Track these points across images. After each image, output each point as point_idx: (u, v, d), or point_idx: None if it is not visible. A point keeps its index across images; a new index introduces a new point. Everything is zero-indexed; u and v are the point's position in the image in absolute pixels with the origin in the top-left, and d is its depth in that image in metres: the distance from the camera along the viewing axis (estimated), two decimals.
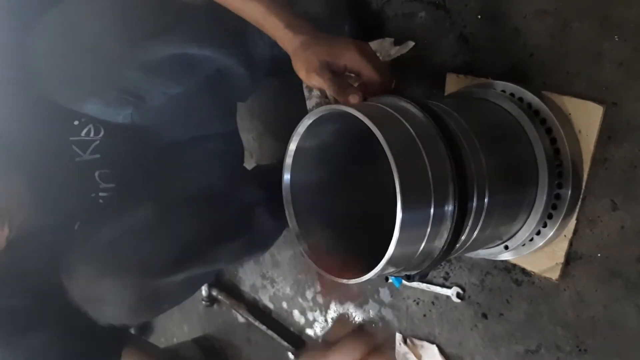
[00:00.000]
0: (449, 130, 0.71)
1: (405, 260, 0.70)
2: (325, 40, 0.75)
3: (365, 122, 0.64)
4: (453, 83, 0.94)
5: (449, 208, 0.68)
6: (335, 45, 0.74)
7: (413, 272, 0.77)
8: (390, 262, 0.66)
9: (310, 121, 0.71)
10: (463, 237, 0.74)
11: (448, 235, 0.70)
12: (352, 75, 0.76)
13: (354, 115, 0.66)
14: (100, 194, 0.93)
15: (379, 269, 0.66)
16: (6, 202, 0.83)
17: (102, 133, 0.90)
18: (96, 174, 0.92)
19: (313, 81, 0.73)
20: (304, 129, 0.72)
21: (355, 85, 0.75)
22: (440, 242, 0.71)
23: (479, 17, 0.90)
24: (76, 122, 0.89)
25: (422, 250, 0.69)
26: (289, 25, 0.75)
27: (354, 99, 0.71)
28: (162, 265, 0.87)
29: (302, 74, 0.74)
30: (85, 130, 0.89)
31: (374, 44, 1.03)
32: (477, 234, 0.76)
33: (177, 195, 0.91)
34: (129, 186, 0.93)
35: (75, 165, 0.90)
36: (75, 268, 0.84)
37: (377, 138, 0.64)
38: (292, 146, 0.74)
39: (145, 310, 0.91)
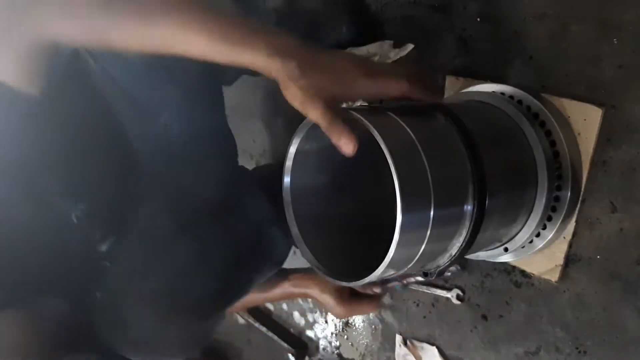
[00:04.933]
0: (469, 131, 0.72)
1: (405, 262, 0.70)
2: (323, 65, 0.63)
3: (365, 125, 0.64)
4: (452, 85, 0.94)
5: (469, 207, 0.70)
6: (339, 76, 0.64)
7: (431, 270, 0.79)
8: (390, 265, 0.67)
9: (311, 124, 0.71)
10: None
11: (467, 234, 0.72)
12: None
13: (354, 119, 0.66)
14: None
15: (381, 270, 0.66)
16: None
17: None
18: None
19: (310, 113, 0.63)
20: (304, 132, 0.72)
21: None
22: (459, 240, 0.73)
23: (478, 19, 0.91)
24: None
25: (422, 252, 0.69)
26: (274, 51, 0.60)
27: (347, 147, 0.62)
28: (211, 301, 0.85)
29: (296, 104, 0.63)
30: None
31: (373, 47, 1.04)
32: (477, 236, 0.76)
33: (198, 215, 0.86)
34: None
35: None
36: (123, 319, 0.77)
37: (377, 142, 0.64)
38: (292, 149, 0.74)
39: (197, 347, 0.89)
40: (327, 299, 0.89)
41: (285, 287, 1.01)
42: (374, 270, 0.67)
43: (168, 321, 0.79)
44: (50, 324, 0.67)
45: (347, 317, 0.88)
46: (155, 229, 0.80)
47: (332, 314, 1.01)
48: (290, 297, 0.98)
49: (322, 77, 0.62)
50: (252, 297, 0.99)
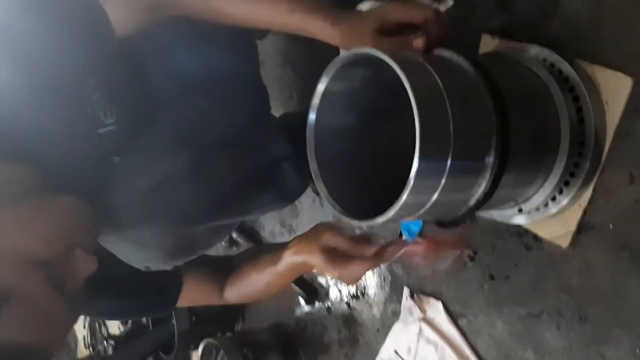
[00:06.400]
0: (497, 86, 0.73)
1: (418, 207, 0.72)
2: (363, 13, 0.81)
3: (393, 67, 0.65)
4: (487, 44, 0.94)
5: (490, 160, 0.72)
6: (378, 10, 0.79)
7: (446, 220, 0.82)
8: (403, 208, 0.69)
9: (341, 64, 0.72)
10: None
11: (486, 187, 0.74)
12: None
13: (385, 63, 0.67)
14: (101, 130, 0.89)
15: (392, 212, 0.69)
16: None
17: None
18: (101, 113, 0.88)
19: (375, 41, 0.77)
20: (333, 71, 0.74)
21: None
22: (478, 192, 0.75)
23: None
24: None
25: (437, 199, 0.71)
26: (326, 16, 0.80)
27: (417, 42, 0.75)
28: (201, 212, 0.89)
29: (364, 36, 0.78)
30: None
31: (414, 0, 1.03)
32: None
33: (209, 140, 0.92)
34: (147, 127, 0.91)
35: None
36: (115, 213, 0.84)
37: (405, 88, 0.66)
38: (321, 87, 0.76)
39: (182, 255, 0.93)
40: (317, 260, 0.91)
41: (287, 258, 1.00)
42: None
43: (146, 221, 0.84)
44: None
45: (341, 278, 0.89)
46: (159, 145, 0.89)
47: (325, 273, 1.01)
48: (295, 271, 0.99)
49: (368, 19, 0.79)
50: (261, 281, 1.04)
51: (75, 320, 0.77)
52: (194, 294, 1.10)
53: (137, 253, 0.88)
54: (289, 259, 0.96)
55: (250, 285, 1.07)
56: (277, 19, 0.83)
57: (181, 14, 0.85)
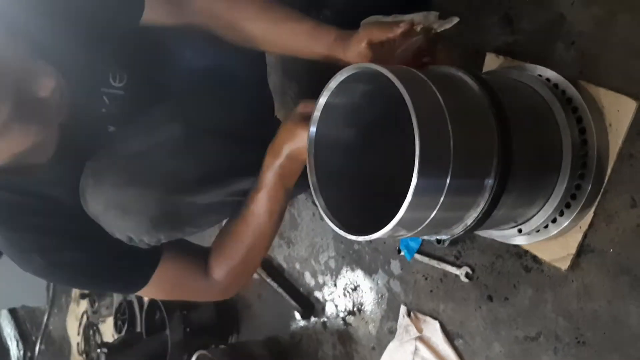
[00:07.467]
0: (501, 105, 0.72)
1: (416, 224, 0.71)
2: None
3: (395, 83, 0.65)
4: (491, 63, 0.94)
5: (489, 181, 0.72)
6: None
7: (445, 237, 0.81)
8: (400, 224, 0.68)
9: (343, 77, 0.72)
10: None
11: (484, 206, 0.73)
12: None
13: (386, 78, 0.67)
14: (105, 90, 0.94)
15: (389, 228, 0.68)
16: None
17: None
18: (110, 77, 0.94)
19: (377, 34, 0.87)
20: (335, 85, 0.73)
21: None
22: (476, 211, 0.74)
23: None
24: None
25: (435, 217, 0.70)
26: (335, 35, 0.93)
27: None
28: (186, 183, 0.89)
29: (362, 37, 0.88)
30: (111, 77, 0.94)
31: (418, 16, 1.03)
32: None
33: (205, 124, 0.93)
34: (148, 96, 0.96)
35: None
36: (102, 174, 0.85)
37: (406, 104, 0.65)
38: (322, 100, 0.76)
39: (166, 227, 0.91)
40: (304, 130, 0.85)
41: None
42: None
43: (129, 183, 0.85)
44: None
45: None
46: (155, 118, 0.93)
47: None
48: (286, 178, 0.94)
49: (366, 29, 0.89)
50: None
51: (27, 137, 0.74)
52: (174, 277, 1.02)
53: (120, 221, 0.87)
54: (272, 168, 0.91)
55: (239, 241, 1.00)
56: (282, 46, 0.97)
57: (207, 25, 0.98)
